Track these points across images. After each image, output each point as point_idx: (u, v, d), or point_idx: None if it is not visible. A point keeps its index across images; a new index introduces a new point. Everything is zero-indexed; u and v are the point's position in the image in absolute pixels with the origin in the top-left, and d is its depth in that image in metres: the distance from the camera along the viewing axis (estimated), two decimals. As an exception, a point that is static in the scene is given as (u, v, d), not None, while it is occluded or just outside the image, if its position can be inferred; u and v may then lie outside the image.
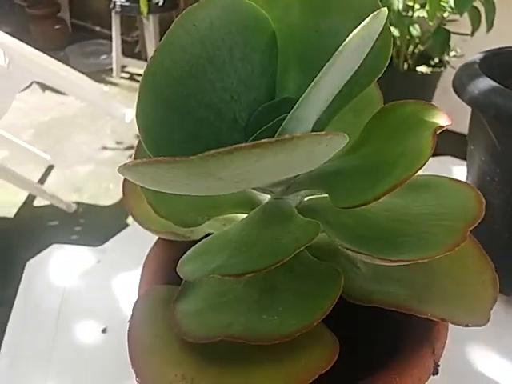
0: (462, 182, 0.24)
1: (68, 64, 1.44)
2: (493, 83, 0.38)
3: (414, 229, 0.22)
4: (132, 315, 0.20)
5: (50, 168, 1.56)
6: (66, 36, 2.64)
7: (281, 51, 0.24)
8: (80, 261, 0.44)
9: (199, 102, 0.22)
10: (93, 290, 0.41)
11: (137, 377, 0.18)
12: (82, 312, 0.39)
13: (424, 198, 0.24)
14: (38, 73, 1.34)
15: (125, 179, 0.30)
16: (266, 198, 0.27)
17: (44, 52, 1.31)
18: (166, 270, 0.25)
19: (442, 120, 0.21)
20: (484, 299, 0.21)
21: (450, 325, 0.41)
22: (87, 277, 0.42)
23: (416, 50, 1.65)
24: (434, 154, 0.20)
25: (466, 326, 0.20)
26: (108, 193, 1.42)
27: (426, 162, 0.19)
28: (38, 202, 1.38)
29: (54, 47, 2.41)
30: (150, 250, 0.27)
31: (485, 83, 0.39)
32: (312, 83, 0.18)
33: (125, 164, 0.17)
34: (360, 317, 0.22)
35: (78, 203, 1.37)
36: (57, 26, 2.60)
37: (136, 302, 0.21)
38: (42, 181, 1.49)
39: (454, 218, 0.21)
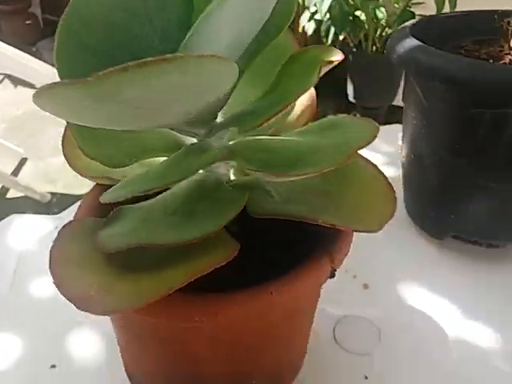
0: (364, 118, 0.27)
1: (40, 59, 1.44)
2: (417, 42, 0.41)
3: (315, 155, 0.24)
4: (56, 237, 0.22)
5: (24, 161, 1.56)
6: (38, 31, 2.62)
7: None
8: (38, 228, 0.46)
9: (116, 47, 0.24)
10: (48, 252, 0.43)
11: (57, 287, 0.20)
12: (36, 271, 0.40)
13: (330, 134, 0.27)
14: (10, 67, 1.34)
15: (65, 131, 0.32)
16: (192, 141, 0.29)
17: (16, 47, 1.30)
18: (97, 209, 0.27)
19: (334, 56, 0.24)
20: (381, 213, 0.24)
21: (387, 263, 0.44)
22: (44, 241, 0.44)
23: (384, 34, 1.68)
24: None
25: (357, 231, 0.22)
26: (82, 182, 1.42)
27: (310, 86, 0.22)
28: (12, 193, 1.38)
29: (25, 42, 2.39)
30: (86, 194, 0.29)
31: (411, 43, 0.42)
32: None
33: (36, 91, 0.19)
34: (261, 226, 0.24)
35: (52, 193, 1.38)
36: (28, 22, 2.57)
37: (62, 227, 0.23)
38: (15, 173, 1.49)
39: (348, 143, 0.24)
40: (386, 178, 0.28)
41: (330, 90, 1.29)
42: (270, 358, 0.27)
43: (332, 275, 0.23)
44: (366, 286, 0.42)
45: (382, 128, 0.25)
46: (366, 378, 0.35)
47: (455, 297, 0.41)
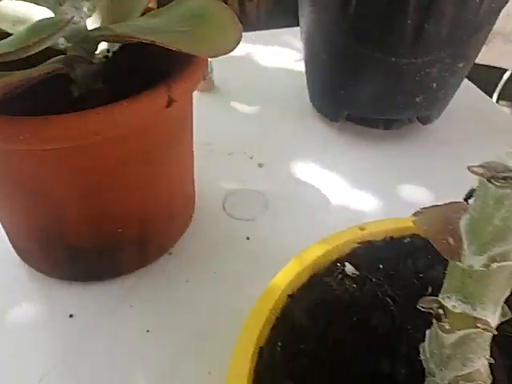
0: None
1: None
2: None
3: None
4: None
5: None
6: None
7: None
8: None
9: None
10: None
11: None
12: None
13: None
14: None
15: None
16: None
17: None
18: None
19: None
20: (227, 42, 0.24)
21: (286, 146, 0.46)
22: None
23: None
24: None
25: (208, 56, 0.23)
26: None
27: None
28: None
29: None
30: None
31: None
32: None
33: None
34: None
35: None
36: None
37: None
38: None
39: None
40: (234, 17, 0.28)
41: None
42: (127, 203, 0.28)
43: (169, 104, 0.23)
44: (261, 165, 0.44)
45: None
46: (248, 238, 0.37)
47: (345, 172, 0.43)
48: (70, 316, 0.31)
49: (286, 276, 0.23)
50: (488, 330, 0.16)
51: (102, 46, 0.28)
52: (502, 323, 0.23)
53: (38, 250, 0.30)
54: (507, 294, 0.16)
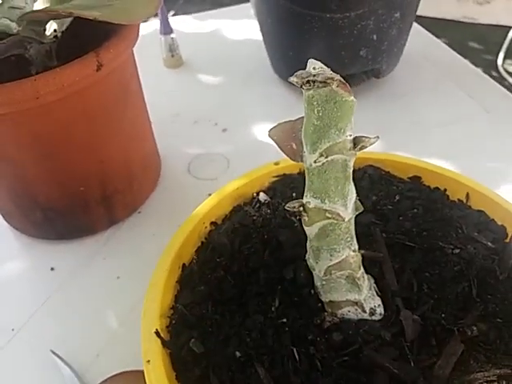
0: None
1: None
2: None
3: None
4: None
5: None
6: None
7: None
8: None
9: None
10: None
11: None
12: None
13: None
14: None
15: None
16: None
17: None
18: None
19: None
20: (146, 11, 0.28)
21: (249, 112, 0.48)
22: None
23: None
24: None
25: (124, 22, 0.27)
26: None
27: None
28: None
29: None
30: None
31: None
32: None
33: None
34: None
35: None
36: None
37: None
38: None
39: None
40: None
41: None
42: (83, 163, 0.32)
43: (98, 68, 0.27)
44: (224, 130, 0.47)
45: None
46: (210, 195, 0.41)
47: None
48: (52, 269, 0.36)
49: (205, 205, 0.26)
50: (338, 220, 0.19)
51: (51, 27, 0.32)
52: (396, 233, 0.26)
53: (17, 212, 0.34)
54: (349, 187, 0.19)
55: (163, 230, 0.40)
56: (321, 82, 0.16)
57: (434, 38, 0.58)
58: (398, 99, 0.49)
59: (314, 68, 0.16)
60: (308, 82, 0.16)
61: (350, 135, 0.18)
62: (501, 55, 1.55)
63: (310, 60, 0.17)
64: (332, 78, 0.16)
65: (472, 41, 1.68)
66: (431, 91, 0.50)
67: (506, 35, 1.59)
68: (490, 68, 1.48)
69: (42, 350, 0.31)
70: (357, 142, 0.18)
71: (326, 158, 0.18)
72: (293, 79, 0.17)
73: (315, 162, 0.18)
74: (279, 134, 0.19)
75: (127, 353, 0.30)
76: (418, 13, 0.46)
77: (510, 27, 1.59)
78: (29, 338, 0.32)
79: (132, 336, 0.30)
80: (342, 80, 0.16)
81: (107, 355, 0.31)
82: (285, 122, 0.20)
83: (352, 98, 0.17)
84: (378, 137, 0.18)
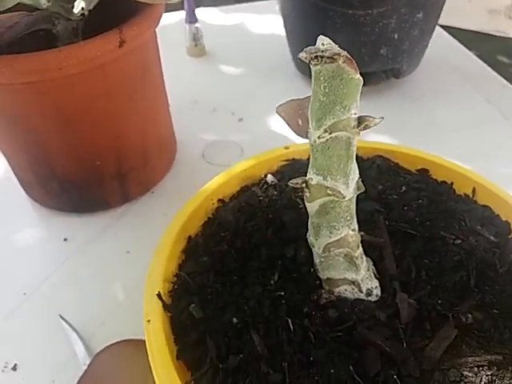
0: None
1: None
2: None
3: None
4: None
5: None
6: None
7: None
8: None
9: None
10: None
11: None
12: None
13: None
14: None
15: None
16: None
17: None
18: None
19: None
20: None
21: (266, 103, 0.50)
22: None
23: None
24: None
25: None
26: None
27: None
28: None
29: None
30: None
31: None
32: None
33: None
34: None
35: None
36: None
37: None
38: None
39: None
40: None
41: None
42: (101, 137, 0.33)
43: (121, 44, 0.28)
44: (240, 120, 0.48)
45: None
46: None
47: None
48: (65, 240, 0.37)
49: (214, 183, 0.27)
50: (339, 197, 0.20)
51: (79, 5, 0.34)
52: (399, 221, 0.26)
53: (35, 182, 0.36)
54: (351, 166, 0.20)
55: (174, 211, 0.41)
56: (328, 58, 0.17)
57: (457, 42, 0.58)
58: (416, 100, 0.49)
59: (322, 44, 0.17)
60: (316, 57, 0.17)
61: (355, 114, 0.18)
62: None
63: (319, 36, 0.17)
64: (339, 54, 0.16)
65: (501, 54, 1.66)
66: (450, 95, 0.50)
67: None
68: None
69: (51, 314, 0.32)
70: (361, 121, 0.18)
71: (330, 134, 0.18)
72: (302, 54, 0.17)
73: (319, 137, 0.19)
74: (287, 110, 0.20)
75: (130, 323, 0.31)
76: (449, 23, 0.46)
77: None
78: (39, 302, 0.33)
79: (136, 308, 0.31)
80: (349, 56, 0.17)
81: (111, 324, 0.32)
82: (293, 100, 0.20)
83: (358, 76, 0.17)
84: (382, 117, 0.18)
